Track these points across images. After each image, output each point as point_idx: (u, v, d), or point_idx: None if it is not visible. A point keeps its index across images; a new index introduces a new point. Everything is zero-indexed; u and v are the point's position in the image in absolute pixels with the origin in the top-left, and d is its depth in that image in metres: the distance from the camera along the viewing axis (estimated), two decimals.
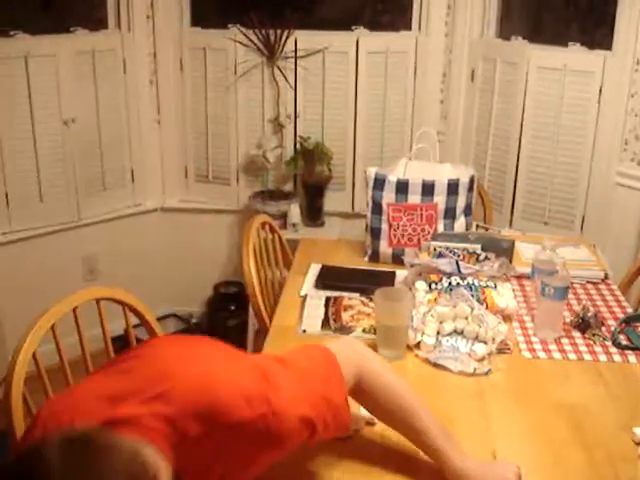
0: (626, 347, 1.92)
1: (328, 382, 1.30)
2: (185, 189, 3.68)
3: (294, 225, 3.27)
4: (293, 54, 3.35)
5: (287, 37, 3.31)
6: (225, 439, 1.13)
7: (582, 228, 3.09)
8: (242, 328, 3.43)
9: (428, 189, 2.33)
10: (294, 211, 3.28)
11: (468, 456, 1.38)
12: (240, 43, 3.34)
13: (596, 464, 1.46)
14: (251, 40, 3.33)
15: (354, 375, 1.36)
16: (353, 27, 3.36)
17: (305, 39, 3.35)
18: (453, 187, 2.34)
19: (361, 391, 1.38)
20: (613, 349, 1.91)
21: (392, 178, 2.35)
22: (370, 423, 1.54)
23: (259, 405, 1.15)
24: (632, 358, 1.88)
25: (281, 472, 1.37)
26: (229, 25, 3.38)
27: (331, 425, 1.27)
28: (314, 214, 3.38)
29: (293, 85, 3.38)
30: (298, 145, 3.40)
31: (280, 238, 2.59)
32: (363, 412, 1.49)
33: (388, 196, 2.35)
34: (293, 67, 3.36)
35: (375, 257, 2.44)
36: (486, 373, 1.77)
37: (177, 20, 3.45)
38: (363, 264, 2.44)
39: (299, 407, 1.22)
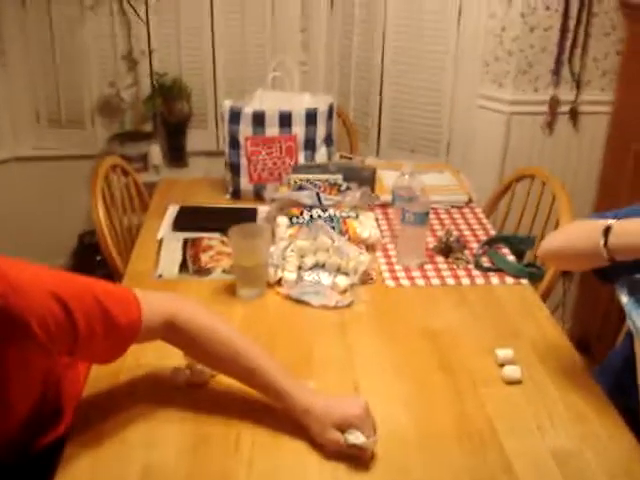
0: (488, 269, 1.91)
1: (108, 294, 1.20)
2: (38, 136, 3.43)
3: (156, 167, 3.11)
4: None
5: None
6: None
7: (448, 153, 3.08)
8: (110, 279, 3.27)
9: (285, 120, 2.23)
10: (154, 152, 3.11)
11: (312, 391, 1.32)
12: None
13: (460, 389, 1.44)
14: None
15: (165, 315, 1.29)
16: None
17: None
18: (311, 116, 2.24)
19: (179, 335, 1.31)
20: (476, 272, 1.90)
21: (248, 110, 2.23)
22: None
23: None
24: (494, 279, 1.87)
25: (131, 422, 1.31)
26: None
27: (100, 332, 1.16)
28: (177, 154, 3.23)
29: (145, 18, 3.17)
30: (155, 82, 3.21)
31: (135, 181, 2.44)
32: None
33: (245, 129, 2.24)
34: None
35: (237, 194, 2.34)
36: (348, 305, 1.72)
37: None
38: (225, 202, 2.34)
39: (49, 284, 1.10)
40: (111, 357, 1.27)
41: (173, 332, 1.31)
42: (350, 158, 2.41)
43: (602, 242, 1.30)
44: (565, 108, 2.97)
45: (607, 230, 1.30)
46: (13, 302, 1.03)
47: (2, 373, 1.15)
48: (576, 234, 1.44)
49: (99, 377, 1.44)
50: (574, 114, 2.98)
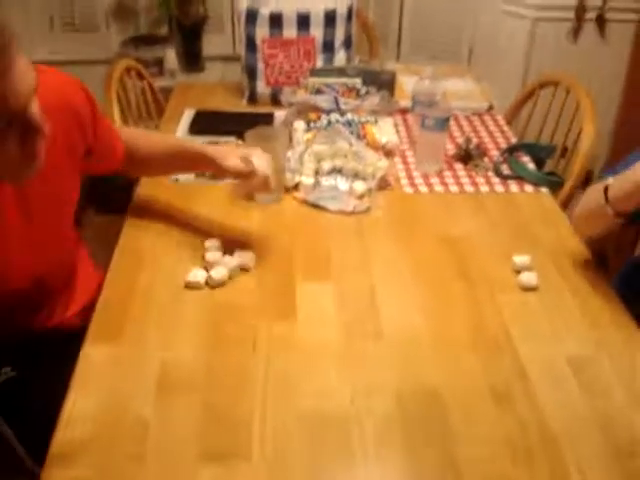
0: (508, 176, 1.88)
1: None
2: (52, 40, 3.37)
3: (171, 72, 3.06)
4: None
5: None
6: None
7: (470, 60, 3.01)
8: (126, 183, 3.27)
9: (304, 21, 2.17)
10: (170, 56, 3.06)
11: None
12: None
13: (476, 295, 1.44)
14: None
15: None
16: None
17: None
18: (330, 18, 2.18)
19: (134, 155, 1.57)
20: (495, 179, 1.88)
21: (264, 11, 2.17)
22: (244, 269, 1.48)
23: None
24: (514, 187, 1.85)
25: (149, 323, 1.32)
26: None
27: (108, 135, 1.48)
28: (192, 59, 3.17)
29: None
30: None
31: (151, 85, 2.41)
32: None
33: (262, 31, 2.19)
34: None
35: (253, 99, 2.30)
36: (366, 211, 1.71)
37: None
38: (241, 107, 2.30)
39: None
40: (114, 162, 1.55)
41: (134, 158, 1.57)
42: (369, 62, 2.36)
43: (604, 200, 1.36)
44: (592, 14, 2.88)
45: (606, 188, 1.36)
46: (48, 77, 1.20)
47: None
48: (587, 199, 1.49)
49: (116, 279, 1.46)
50: (601, 21, 2.90)
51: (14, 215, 1.22)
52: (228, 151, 1.48)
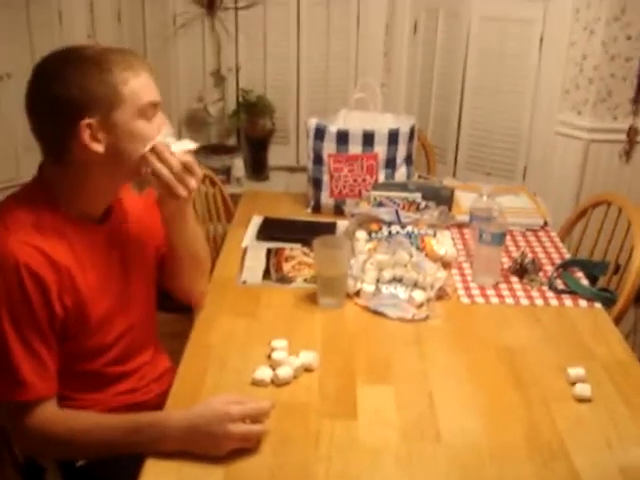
0: (562, 291, 1.95)
1: None
2: None
3: (238, 179, 3.24)
4: (234, 4, 3.29)
5: None
6: None
7: (524, 177, 3.12)
8: None
9: (368, 139, 2.32)
10: (238, 165, 3.24)
11: None
12: None
13: (531, 404, 1.48)
14: None
15: None
16: None
17: None
18: (393, 137, 2.33)
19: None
20: (550, 293, 1.94)
21: (332, 128, 2.32)
22: (308, 369, 1.55)
23: None
24: (568, 302, 1.91)
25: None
26: None
27: None
28: (258, 168, 3.35)
29: (234, 36, 3.32)
30: (240, 98, 3.35)
31: (222, 192, 2.56)
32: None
33: (329, 146, 2.34)
34: (234, 18, 3.30)
35: (317, 208, 2.43)
36: (424, 319, 1.78)
37: None
38: (305, 215, 2.43)
39: None
40: None
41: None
42: (427, 178, 2.48)
43: None
44: None
45: None
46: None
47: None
48: None
49: (187, 374, 1.54)
50: None
51: (117, 272, 1.52)
52: None
